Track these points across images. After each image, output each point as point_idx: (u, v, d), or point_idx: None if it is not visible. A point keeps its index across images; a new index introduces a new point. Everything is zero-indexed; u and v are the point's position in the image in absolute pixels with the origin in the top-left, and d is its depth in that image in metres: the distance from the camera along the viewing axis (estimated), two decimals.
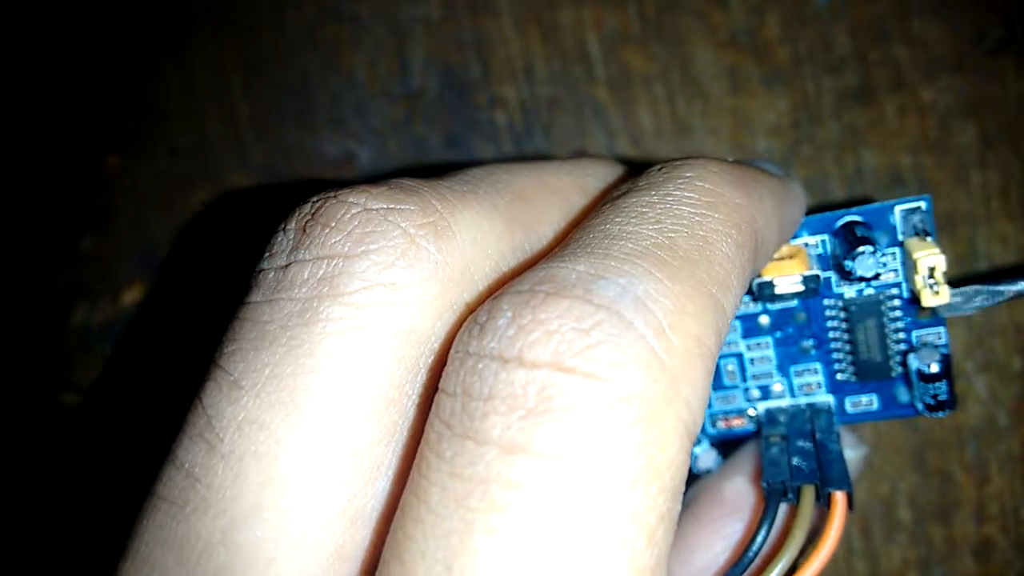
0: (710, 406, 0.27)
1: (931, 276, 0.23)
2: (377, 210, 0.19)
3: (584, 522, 0.15)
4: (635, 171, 0.22)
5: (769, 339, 0.26)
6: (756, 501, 0.24)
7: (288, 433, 0.17)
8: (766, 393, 0.26)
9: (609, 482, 0.15)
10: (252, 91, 0.33)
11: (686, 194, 0.19)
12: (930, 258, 0.23)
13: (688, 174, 0.20)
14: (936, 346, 0.25)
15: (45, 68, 0.34)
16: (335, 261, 0.18)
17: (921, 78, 0.30)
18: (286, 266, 0.19)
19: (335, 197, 0.19)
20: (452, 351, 0.17)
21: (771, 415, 0.26)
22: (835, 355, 0.26)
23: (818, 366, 0.26)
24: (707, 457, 0.26)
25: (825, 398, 0.26)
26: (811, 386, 0.26)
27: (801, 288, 0.24)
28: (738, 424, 0.27)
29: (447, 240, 0.19)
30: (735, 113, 0.31)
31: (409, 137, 0.32)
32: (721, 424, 0.27)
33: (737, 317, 0.26)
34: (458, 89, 0.32)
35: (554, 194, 0.22)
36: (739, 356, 0.26)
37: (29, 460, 0.34)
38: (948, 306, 0.23)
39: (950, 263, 0.30)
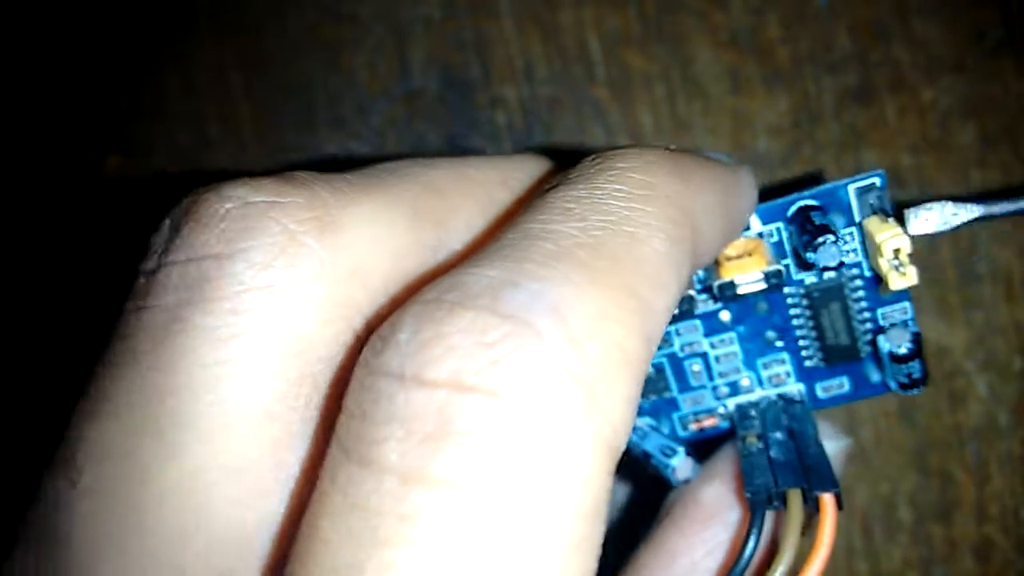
0: (679, 409, 0.26)
1: (896, 258, 0.22)
2: (257, 204, 0.17)
3: (488, 558, 0.13)
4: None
5: (732, 334, 0.25)
6: (736, 506, 0.24)
7: (152, 462, 0.16)
8: (735, 389, 0.26)
9: (514, 511, 0.13)
10: (252, 91, 0.33)
11: (615, 186, 0.17)
12: (895, 240, 0.22)
13: (620, 164, 0.18)
14: (905, 324, 0.24)
15: (45, 68, 0.34)
16: (206, 263, 0.16)
17: (921, 78, 0.30)
18: (155, 270, 0.17)
19: (213, 190, 0.17)
20: (356, 368, 0.15)
21: (743, 410, 0.25)
22: (801, 343, 0.25)
23: (785, 356, 0.25)
24: (684, 467, 0.25)
25: (795, 387, 0.25)
26: (780, 376, 0.25)
27: (764, 286, 0.23)
28: (710, 424, 0.26)
29: (333, 235, 0.17)
30: (735, 113, 0.31)
31: (409, 137, 0.32)
32: (693, 426, 0.26)
33: (698, 316, 0.25)
34: (458, 89, 0.32)
35: (473, 187, 0.20)
36: (704, 355, 0.25)
37: (31, 461, 0.34)
38: (921, 221, 0.21)
39: (950, 263, 0.30)
